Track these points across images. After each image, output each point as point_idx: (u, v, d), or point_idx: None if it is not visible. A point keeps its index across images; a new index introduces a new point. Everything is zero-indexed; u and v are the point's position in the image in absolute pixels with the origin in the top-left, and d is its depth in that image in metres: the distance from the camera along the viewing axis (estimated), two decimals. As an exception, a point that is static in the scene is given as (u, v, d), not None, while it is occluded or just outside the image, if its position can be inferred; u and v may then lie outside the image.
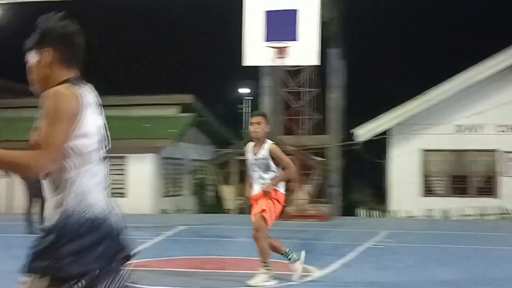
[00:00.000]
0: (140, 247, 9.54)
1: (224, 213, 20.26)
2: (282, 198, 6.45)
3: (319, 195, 19.03)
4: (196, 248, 9.95)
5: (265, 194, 6.30)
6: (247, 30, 14.90)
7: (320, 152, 20.62)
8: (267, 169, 6.38)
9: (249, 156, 6.48)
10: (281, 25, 14.72)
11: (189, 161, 21.36)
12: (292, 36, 14.59)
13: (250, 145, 6.53)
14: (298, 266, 6.62)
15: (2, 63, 27.33)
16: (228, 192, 21.14)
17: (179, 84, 27.62)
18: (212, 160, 22.46)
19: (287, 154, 19.47)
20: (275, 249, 6.59)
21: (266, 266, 6.41)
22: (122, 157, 18.76)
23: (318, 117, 17.06)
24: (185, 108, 20.61)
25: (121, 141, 18.68)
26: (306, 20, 14.68)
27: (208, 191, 22.26)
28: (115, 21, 30.51)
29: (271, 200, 6.32)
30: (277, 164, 6.39)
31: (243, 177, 22.22)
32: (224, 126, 24.09)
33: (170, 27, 33.99)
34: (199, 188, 21.81)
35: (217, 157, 22.47)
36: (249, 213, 6.76)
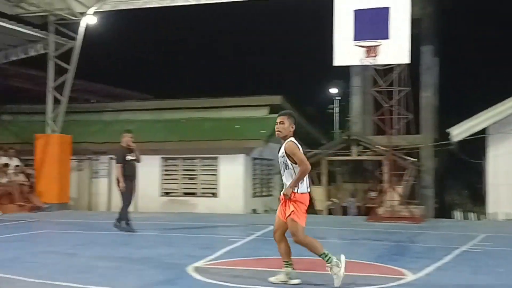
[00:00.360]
0: (232, 246, 9.74)
1: (314, 213, 20.22)
2: (302, 198, 6.43)
3: (411, 197, 18.56)
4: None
5: (285, 197, 6.40)
6: (337, 29, 14.83)
7: (412, 152, 20.12)
8: (285, 167, 6.47)
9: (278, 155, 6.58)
10: (371, 24, 14.52)
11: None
12: (383, 35, 14.36)
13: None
14: (336, 269, 6.47)
15: (102, 68, 28.77)
16: (317, 193, 21.07)
17: (268, 85, 27.89)
18: (301, 160, 22.45)
19: (378, 155, 19.04)
20: (312, 250, 6.57)
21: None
22: (214, 158, 19.19)
23: (410, 117, 16.64)
24: (275, 109, 20.75)
25: (213, 142, 19.16)
26: (397, 17, 14.40)
27: (298, 192, 22.27)
28: (206, 23, 31.28)
29: (292, 202, 6.38)
30: (294, 162, 6.40)
31: (333, 178, 22.12)
32: (313, 127, 24.04)
33: (260, 28, 34.34)
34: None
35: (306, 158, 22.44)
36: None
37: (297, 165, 6.38)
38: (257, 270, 7.47)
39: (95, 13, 19.12)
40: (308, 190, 6.52)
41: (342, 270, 6.40)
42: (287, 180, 6.44)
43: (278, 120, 6.62)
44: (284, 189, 6.46)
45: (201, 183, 19.45)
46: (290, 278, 6.54)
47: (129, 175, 12.15)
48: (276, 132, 6.62)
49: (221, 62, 35.27)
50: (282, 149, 6.48)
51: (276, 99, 20.79)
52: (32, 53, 19.63)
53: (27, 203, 18.03)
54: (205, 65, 34.99)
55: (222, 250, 9.18)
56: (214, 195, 19.17)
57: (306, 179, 6.48)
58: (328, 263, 6.42)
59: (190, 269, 7.35)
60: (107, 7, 19.11)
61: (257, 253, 9.09)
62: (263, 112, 20.75)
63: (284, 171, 6.49)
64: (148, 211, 18.67)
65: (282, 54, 36.28)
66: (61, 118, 19.30)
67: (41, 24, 19.16)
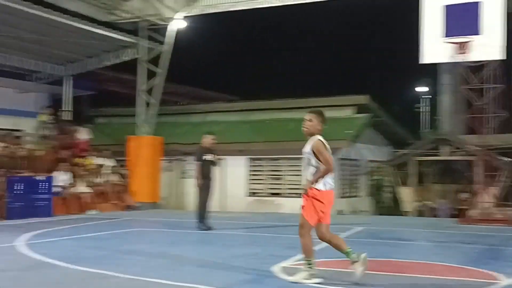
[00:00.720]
0: (317, 247, 9.71)
1: (401, 215, 19.78)
2: (319, 195, 6.51)
3: (506, 198, 17.72)
4: (373, 250, 9.83)
5: (304, 192, 6.59)
6: (425, 26, 14.44)
7: (508, 152, 19.21)
8: (308, 163, 6.63)
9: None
10: (462, 19, 14.02)
11: (366, 162, 21.19)
12: (474, 30, 13.83)
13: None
14: (359, 267, 6.43)
15: (190, 71, 29.53)
16: (406, 194, 20.58)
17: (354, 84, 27.56)
18: (389, 161, 22.04)
19: (470, 155, 18.37)
20: (337, 247, 6.67)
21: (309, 264, 6.51)
22: (299, 158, 19.18)
23: (505, 115, 15.89)
24: (361, 108, 20.49)
25: (298, 142, 19.14)
26: (490, 12, 13.83)
27: (385, 193, 21.88)
28: (292, 23, 31.36)
29: (308, 198, 6.51)
30: (319, 160, 6.52)
31: (422, 179, 21.52)
32: (401, 126, 23.51)
33: (346, 27, 34.01)
34: (376, 190, 21.53)
35: (394, 158, 21.99)
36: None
37: (322, 164, 6.49)
38: (342, 271, 7.42)
39: (184, 17, 19.66)
40: (328, 188, 6.60)
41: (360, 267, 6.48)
42: (309, 177, 6.58)
43: (306, 118, 6.76)
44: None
45: (287, 183, 19.52)
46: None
47: (205, 174, 12.50)
48: (303, 129, 6.77)
49: (307, 63, 35.25)
50: (309, 146, 6.61)
51: (362, 99, 20.52)
52: (124, 58, 20.50)
53: (120, 202, 18.84)
54: (291, 65, 35.09)
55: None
56: (299, 195, 19.18)
57: (329, 178, 6.59)
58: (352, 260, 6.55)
59: (276, 269, 7.41)
60: (195, 11, 19.60)
61: (343, 254, 9.00)
62: (349, 112, 20.54)
63: (307, 167, 6.63)
64: (235, 210, 18.97)
65: (368, 52, 35.74)
66: (152, 120, 20.00)
67: (133, 30, 19.97)
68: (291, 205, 18.85)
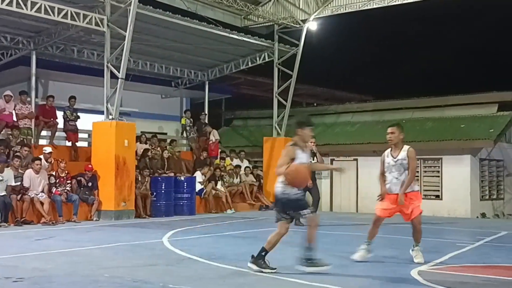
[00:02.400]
0: (459, 251, 9.31)
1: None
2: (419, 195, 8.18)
3: None
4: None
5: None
6: None
7: None
8: (404, 169, 7.89)
9: (388, 159, 7.99)
10: None
11: (511, 163, 19.92)
12: None
13: (387, 151, 8.09)
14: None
15: (322, 72, 29.53)
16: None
17: (498, 80, 25.96)
18: (537, 161, 20.54)
19: None
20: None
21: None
22: (437, 159, 18.51)
23: None
24: (505, 106, 19.30)
25: (436, 142, 18.47)
26: None
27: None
28: (426, 18, 30.25)
29: (416, 198, 8.02)
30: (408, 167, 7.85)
31: None
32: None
33: (486, 18, 32.15)
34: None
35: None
36: None
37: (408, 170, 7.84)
38: (486, 278, 7.07)
39: (315, 18, 19.75)
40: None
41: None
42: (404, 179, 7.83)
43: (389, 131, 8.02)
44: (400, 188, 7.82)
45: (424, 184, 18.89)
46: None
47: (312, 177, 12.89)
48: (389, 140, 8.02)
49: (446, 58, 33.76)
50: (404, 154, 7.87)
51: (506, 95, 19.32)
52: (259, 61, 21.01)
53: (256, 202, 19.33)
54: (427, 62, 33.84)
55: (448, 254, 8.85)
56: (437, 197, 18.50)
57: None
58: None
59: (414, 273, 7.23)
60: (327, 12, 19.61)
61: (487, 260, 8.57)
62: (491, 110, 19.45)
63: (401, 171, 7.84)
64: (370, 212, 18.69)
65: (512, 45, 33.49)
66: (285, 121, 20.31)
67: (267, 33, 20.42)
68: (429, 207, 18.18)
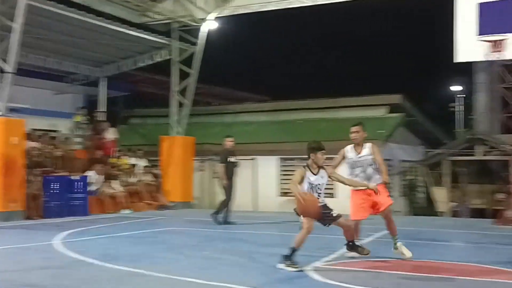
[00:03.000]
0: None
1: (436, 215, 19.54)
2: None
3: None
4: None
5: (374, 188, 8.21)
6: (459, 24, 14.27)
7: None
8: (370, 164, 8.34)
9: (351, 155, 8.48)
10: (496, 17, 13.82)
11: (399, 162, 21.00)
12: (509, 28, 13.61)
13: (349, 147, 8.54)
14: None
15: (222, 72, 29.67)
16: (440, 194, 20.33)
17: (387, 83, 27.31)
18: (422, 161, 21.79)
19: (506, 154, 18.23)
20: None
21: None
22: (331, 158, 19.12)
23: (542, 114, 15.60)
24: (394, 108, 20.31)
25: (330, 142, 19.08)
26: (526, 9, 13.59)
27: (419, 193, 21.63)
28: (323, 23, 31.24)
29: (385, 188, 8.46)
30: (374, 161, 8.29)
31: (456, 179, 21.22)
32: (435, 126, 23.22)
33: (378, 25, 33.74)
34: (409, 190, 21.31)
35: (428, 158, 21.74)
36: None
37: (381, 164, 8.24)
38: (377, 272, 7.40)
39: (215, 18, 19.78)
40: None
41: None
42: (374, 174, 8.27)
43: (354, 130, 8.56)
44: (369, 182, 8.19)
45: (319, 183, 19.45)
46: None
47: (229, 175, 13.52)
48: (354, 139, 8.52)
49: (339, 62, 35.05)
50: (368, 151, 8.37)
51: (395, 98, 20.34)
52: (157, 59, 20.74)
53: (154, 201, 19.06)
54: (322, 65, 34.97)
55: (341, 250, 9.16)
56: (331, 195, 19.11)
57: None
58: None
59: (309, 269, 7.42)
60: (226, 12, 19.69)
61: (377, 255, 8.97)
62: (381, 112, 20.37)
63: (367, 167, 8.25)
64: (267, 210, 19.01)
65: (402, 51, 35.37)
66: (184, 120, 20.19)
67: (165, 31, 20.17)
68: (323, 205, 18.81)
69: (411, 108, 20.86)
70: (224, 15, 19.84)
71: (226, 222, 13.62)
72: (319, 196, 7.58)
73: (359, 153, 8.34)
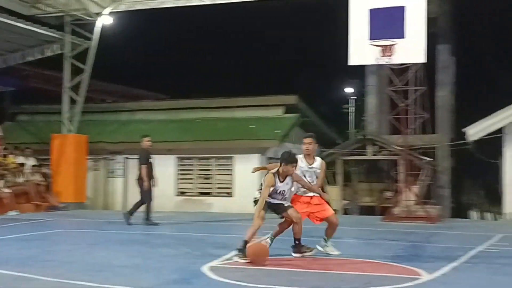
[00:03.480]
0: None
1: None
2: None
3: (427, 197, 18.44)
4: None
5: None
6: (352, 28, 14.77)
7: (428, 152, 19.98)
8: (316, 176, 8.62)
9: (303, 165, 8.53)
10: (387, 23, 14.45)
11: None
12: (398, 34, 14.28)
13: (300, 156, 8.58)
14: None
15: (118, 69, 28.92)
16: (333, 193, 21.00)
17: (283, 84, 27.85)
18: (317, 160, 22.38)
19: (394, 154, 19.12)
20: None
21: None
22: (229, 158, 19.22)
23: (426, 116, 16.52)
24: (289, 108, 20.74)
25: (228, 141, 19.19)
26: (413, 16, 14.32)
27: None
28: (222, 22, 31.29)
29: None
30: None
31: (348, 178, 22.03)
32: (328, 126, 23.96)
33: (275, 27, 34.31)
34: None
35: (322, 157, 22.36)
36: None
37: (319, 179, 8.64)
38: (271, 270, 7.49)
39: (110, 13, 19.23)
40: None
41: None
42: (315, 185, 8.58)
43: (307, 141, 8.64)
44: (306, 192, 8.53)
45: (216, 182, 19.49)
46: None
47: (150, 176, 13.42)
48: (307, 150, 8.62)
49: (236, 62, 35.26)
50: (318, 164, 8.66)
51: (291, 99, 20.77)
52: (48, 53, 19.81)
53: (43, 202, 18.20)
54: (220, 64, 35.03)
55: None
56: (229, 194, 19.21)
57: None
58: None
59: (205, 268, 7.38)
60: (122, 7, 19.23)
61: (272, 253, 9.09)
62: (278, 112, 20.74)
63: (314, 178, 8.55)
64: (164, 210, 18.78)
65: (298, 53, 36.24)
66: (77, 118, 19.46)
67: (57, 24, 19.33)
68: (221, 205, 18.86)
69: (306, 109, 21.40)
70: (120, 10, 19.37)
71: (150, 223, 13.24)
72: (284, 199, 8.25)
73: (310, 164, 8.60)
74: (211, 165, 19.60)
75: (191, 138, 19.57)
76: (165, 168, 19.72)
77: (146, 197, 13.39)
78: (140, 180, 13.37)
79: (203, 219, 15.72)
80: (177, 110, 22.06)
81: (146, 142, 13.61)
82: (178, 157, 19.84)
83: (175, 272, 7.29)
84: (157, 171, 19.62)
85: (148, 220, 13.28)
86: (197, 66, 34.45)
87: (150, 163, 13.52)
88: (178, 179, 19.84)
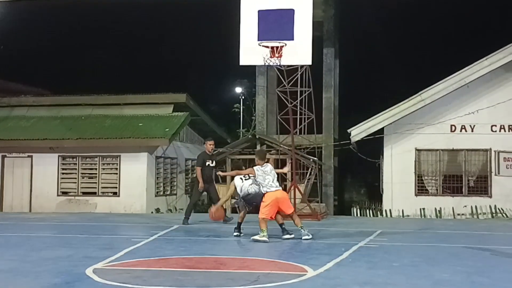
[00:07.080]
0: (133, 247, 9.50)
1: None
2: None
3: (313, 195, 19.01)
4: (190, 247, 9.92)
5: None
6: (242, 29, 14.85)
7: (314, 151, 20.62)
8: (270, 177, 10.70)
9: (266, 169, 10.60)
10: (276, 25, 14.68)
11: (183, 160, 21.32)
12: (287, 36, 14.55)
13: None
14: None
15: (-5, 61, 27.18)
16: (223, 192, 21.06)
17: (173, 83, 27.55)
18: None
19: (282, 154, 19.73)
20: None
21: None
22: (116, 156, 18.71)
23: (312, 117, 17.03)
24: (179, 107, 20.56)
25: (114, 140, 18.65)
26: (300, 19, 14.65)
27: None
28: (107, 16, 30.39)
29: None
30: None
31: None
32: (219, 125, 24.04)
33: (165, 25, 33.86)
34: (193, 188, 21.71)
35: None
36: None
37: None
38: (158, 270, 7.36)
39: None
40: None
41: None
42: (275, 183, 10.56)
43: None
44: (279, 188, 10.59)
45: (102, 182, 18.89)
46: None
47: (205, 179, 13.70)
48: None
49: (127, 58, 34.40)
50: (271, 167, 10.85)
51: (181, 97, 20.58)
52: None
53: None
54: (109, 61, 34.00)
55: (123, 250, 8.95)
56: (115, 194, 18.70)
57: None
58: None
59: (89, 271, 7.10)
60: (2, -3, 18.09)
61: (159, 253, 8.94)
62: (167, 110, 20.48)
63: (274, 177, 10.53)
64: (44, 211, 17.93)
65: (188, 51, 36.01)
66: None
67: None
68: (107, 205, 18.30)
69: (196, 108, 21.31)
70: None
71: (186, 223, 13.61)
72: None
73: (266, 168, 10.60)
74: (96, 164, 18.96)
75: (75, 136, 18.82)
76: (47, 167, 18.90)
77: (194, 197, 14.26)
78: (194, 181, 14.45)
79: (87, 220, 15.16)
80: (61, 107, 21.11)
81: (208, 146, 13.86)
82: (60, 156, 19.00)
83: (56, 275, 6.94)
84: (37, 170, 18.88)
85: (186, 219, 13.58)
86: (85, 62, 33.22)
87: (208, 166, 13.72)
88: (60, 178, 19.01)
